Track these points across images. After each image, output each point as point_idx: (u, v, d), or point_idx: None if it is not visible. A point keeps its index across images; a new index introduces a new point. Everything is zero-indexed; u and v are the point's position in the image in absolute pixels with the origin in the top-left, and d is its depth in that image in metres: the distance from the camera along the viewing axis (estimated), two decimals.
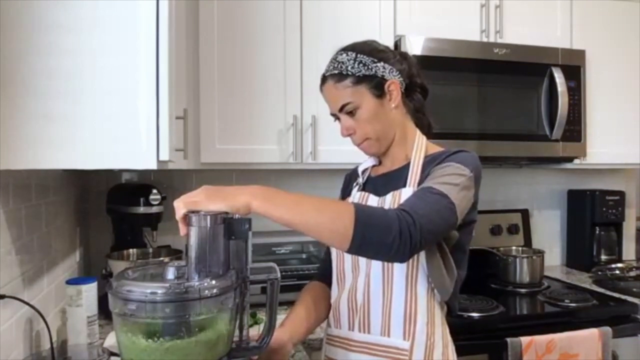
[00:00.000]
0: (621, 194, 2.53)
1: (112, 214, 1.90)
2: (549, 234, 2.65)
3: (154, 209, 1.83)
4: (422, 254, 1.06)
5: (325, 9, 1.94)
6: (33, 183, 1.30)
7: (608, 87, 2.27)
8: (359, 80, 1.11)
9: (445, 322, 1.14)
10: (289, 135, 1.91)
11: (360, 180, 1.25)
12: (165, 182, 2.10)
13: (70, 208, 1.72)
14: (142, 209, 1.82)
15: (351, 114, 1.13)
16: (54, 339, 1.29)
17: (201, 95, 1.83)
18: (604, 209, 2.49)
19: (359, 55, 1.12)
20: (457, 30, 2.06)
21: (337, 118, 1.19)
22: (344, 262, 1.18)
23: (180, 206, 0.86)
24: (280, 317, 1.07)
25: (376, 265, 1.10)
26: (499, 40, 2.11)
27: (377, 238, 0.89)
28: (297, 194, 0.92)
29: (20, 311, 1.17)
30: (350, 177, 1.33)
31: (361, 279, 1.13)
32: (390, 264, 1.09)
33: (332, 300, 1.21)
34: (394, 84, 1.13)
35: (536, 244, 2.51)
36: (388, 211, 0.94)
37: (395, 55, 1.18)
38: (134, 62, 1.00)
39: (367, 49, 1.14)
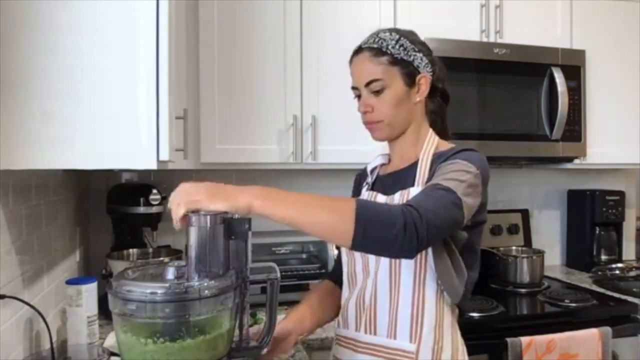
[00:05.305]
0: (621, 194, 2.53)
1: (112, 214, 1.90)
2: (549, 234, 2.65)
3: (154, 209, 1.83)
4: (430, 255, 1.03)
5: (325, 9, 1.93)
6: (33, 183, 1.30)
7: (608, 87, 2.27)
8: (396, 61, 1.10)
9: (457, 325, 1.11)
10: (289, 135, 1.90)
11: (369, 179, 1.24)
12: (165, 182, 2.10)
13: (70, 208, 1.72)
14: (142, 209, 1.82)
15: (377, 92, 1.12)
16: (54, 339, 1.29)
17: (201, 95, 1.83)
18: (604, 209, 2.49)
19: (402, 38, 1.12)
20: (457, 30, 2.05)
21: (357, 95, 1.16)
22: (354, 264, 1.17)
23: (181, 206, 0.85)
24: (281, 317, 1.07)
25: (384, 266, 1.09)
26: (499, 40, 2.11)
27: (378, 233, 0.88)
28: (298, 193, 0.91)
29: (20, 311, 1.17)
30: (360, 177, 1.32)
31: (370, 280, 1.12)
32: (397, 265, 1.07)
33: (342, 302, 1.20)
34: (425, 78, 1.13)
35: (536, 244, 2.51)
36: (392, 206, 0.92)
37: (431, 53, 1.17)
38: (134, 62, 1.00)
39: (410, 37, 1.14)
